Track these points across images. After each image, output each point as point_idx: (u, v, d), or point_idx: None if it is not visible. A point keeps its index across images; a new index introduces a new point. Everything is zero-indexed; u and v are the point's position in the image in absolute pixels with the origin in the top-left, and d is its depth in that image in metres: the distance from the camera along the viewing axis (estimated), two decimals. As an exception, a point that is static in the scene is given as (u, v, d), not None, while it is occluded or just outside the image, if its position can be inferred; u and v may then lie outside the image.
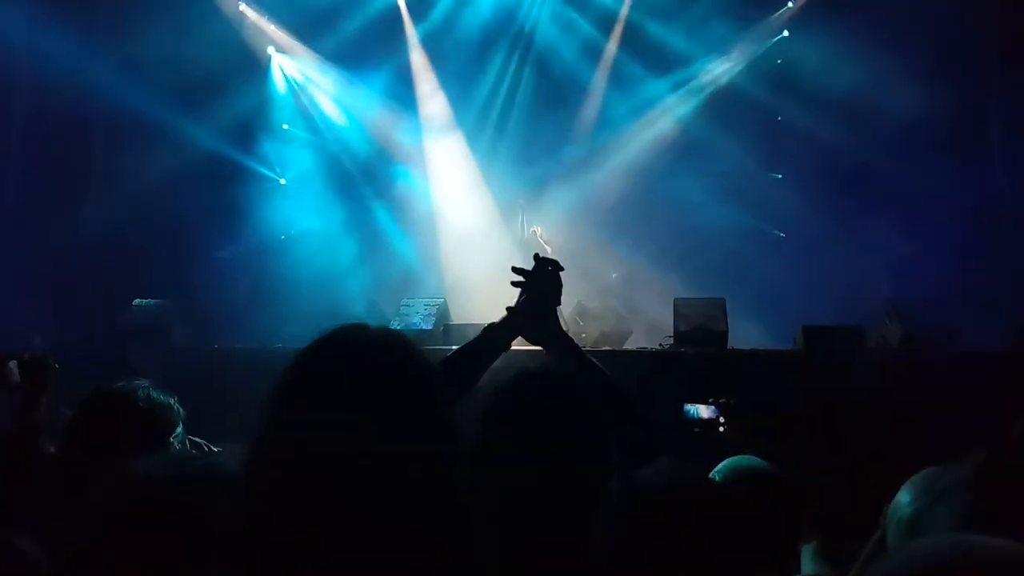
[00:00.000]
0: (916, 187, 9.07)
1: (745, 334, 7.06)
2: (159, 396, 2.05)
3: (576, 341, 1.89)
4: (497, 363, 1.88)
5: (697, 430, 3.01)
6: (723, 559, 1.19)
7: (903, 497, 1.67)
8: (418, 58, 10.48)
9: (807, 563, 1.83)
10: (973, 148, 8.97)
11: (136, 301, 7.27)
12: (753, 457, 1.82)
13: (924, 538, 0.82)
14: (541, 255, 1.99)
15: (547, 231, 8.66)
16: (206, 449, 2.05)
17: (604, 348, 6.88)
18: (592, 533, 1.30)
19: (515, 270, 1.95)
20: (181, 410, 2.06)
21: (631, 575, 1.21)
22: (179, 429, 2.04)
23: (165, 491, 1.35)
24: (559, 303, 1.94)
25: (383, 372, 1.09)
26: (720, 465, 1.85)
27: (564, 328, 1.97)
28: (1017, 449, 1.36)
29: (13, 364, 2.70)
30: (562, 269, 1.94)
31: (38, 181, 9.06)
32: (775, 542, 1.22)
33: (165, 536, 1.30)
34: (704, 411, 3.11)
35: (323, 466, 1.01)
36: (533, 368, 1.67)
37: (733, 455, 1.87)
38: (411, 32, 10.46)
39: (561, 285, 1.93)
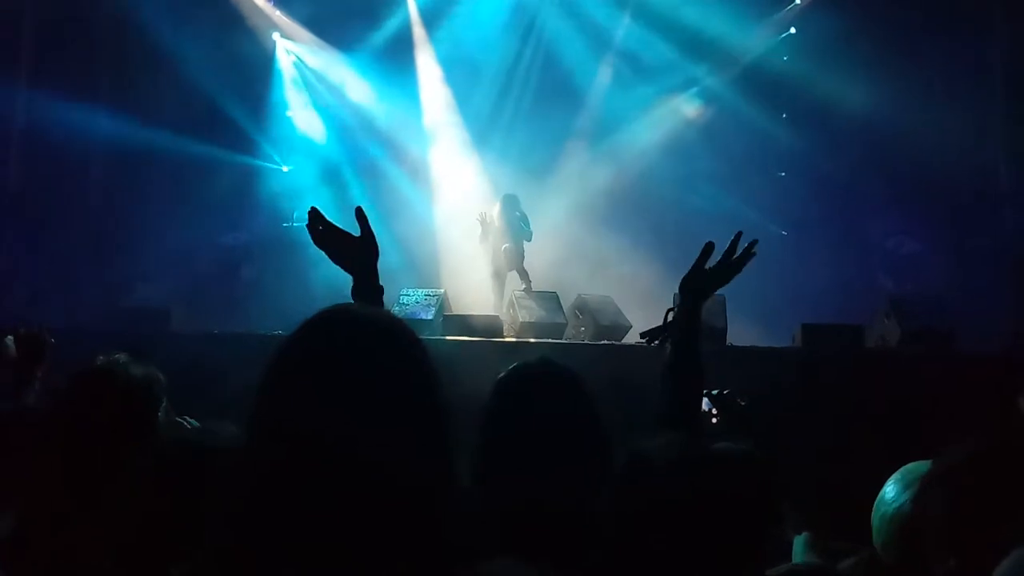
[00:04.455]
0: (918, 186, 9.06)
1: (744, 331, 7.06)
2: (139, 369, 1.96)
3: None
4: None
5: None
6: (703, 532, 1.21)
7: (888, 492, 1.67)
8: (422, 46, 10.46)
9: (799, 553, 1.85)
10: (976, 146, 8.96)
11: (137, 284, 7.28)
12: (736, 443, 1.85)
13: None
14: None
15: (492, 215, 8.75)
16: (187, 426, 2.00)
17: (603, 342, 6.87)
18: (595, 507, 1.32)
19: (736, 243, 2.23)
20: (162, 378, 2.00)
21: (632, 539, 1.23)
22: (164, 402, 1.98)
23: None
24: (727, 281, 2.25)
25: (372, 349, 1.08)
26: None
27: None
28: (1001, 443, 1.37)
29: (9, 339, 2.70)
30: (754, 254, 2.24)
31: (42, 164, 9.06)
32: (750, 523, 1.24)
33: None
34: None
35: (309, 449, 1.00)
36: (532, 360, 1.72)
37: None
38: (416, 19, 10.44)
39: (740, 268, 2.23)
